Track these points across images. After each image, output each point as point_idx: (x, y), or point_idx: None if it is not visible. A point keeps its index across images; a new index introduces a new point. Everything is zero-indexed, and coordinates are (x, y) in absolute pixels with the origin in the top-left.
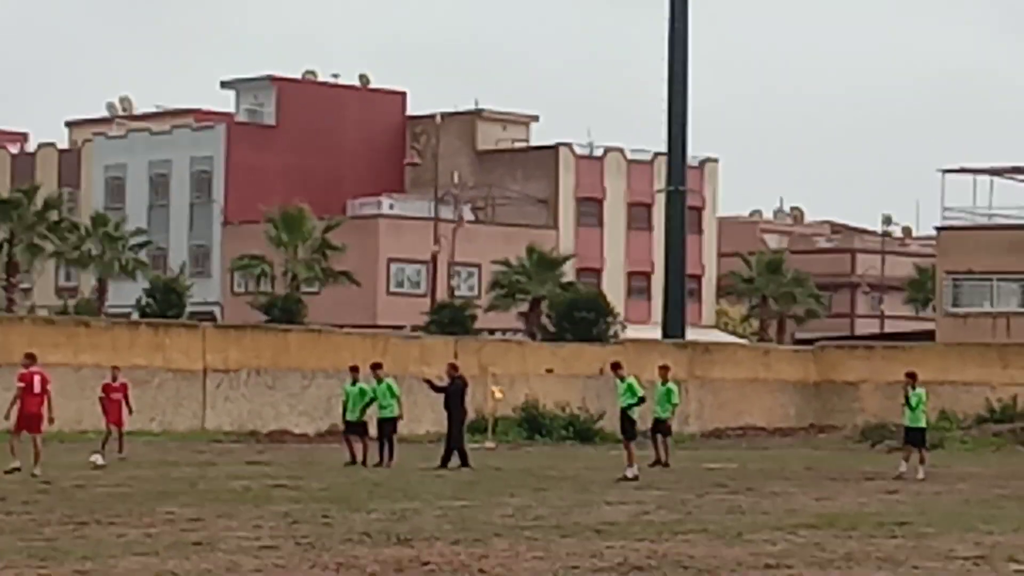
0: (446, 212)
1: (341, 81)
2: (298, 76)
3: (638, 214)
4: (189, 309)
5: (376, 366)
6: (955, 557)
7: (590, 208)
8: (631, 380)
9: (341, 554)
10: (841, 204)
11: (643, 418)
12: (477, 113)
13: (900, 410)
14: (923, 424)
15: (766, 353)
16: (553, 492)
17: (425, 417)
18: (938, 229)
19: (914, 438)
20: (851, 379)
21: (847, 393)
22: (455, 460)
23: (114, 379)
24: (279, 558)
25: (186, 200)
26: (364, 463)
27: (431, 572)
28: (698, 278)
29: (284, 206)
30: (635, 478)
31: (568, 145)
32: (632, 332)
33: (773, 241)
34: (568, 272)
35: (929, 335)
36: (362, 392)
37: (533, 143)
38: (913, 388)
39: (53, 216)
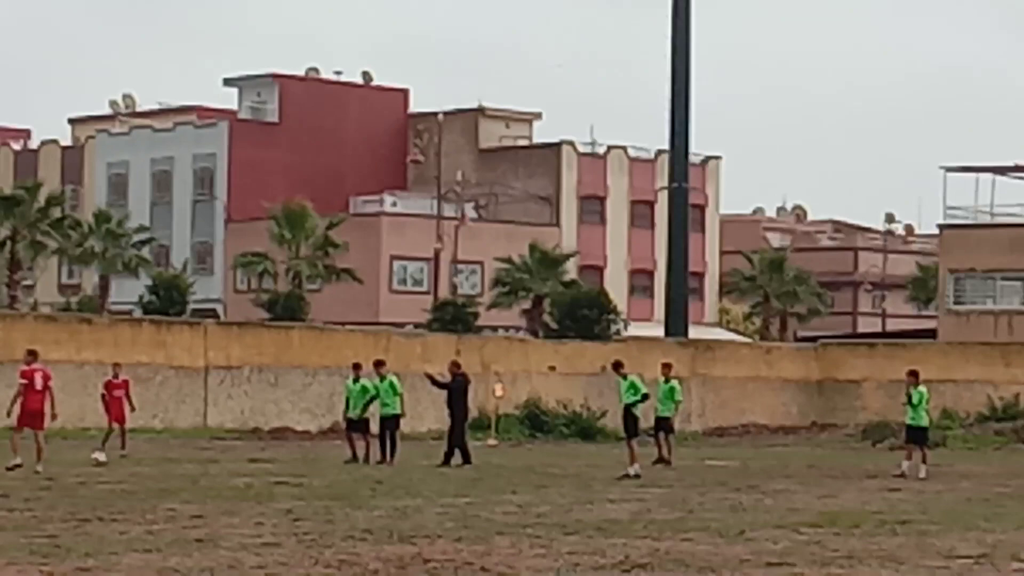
0: (448, 210)
1: (344, 78)
2: (301, 73)
3: (640, 212)
4: (191, 306)
5: (379, 363)
6: (957, 555)
7: (593, 206)
8: (633, 378)
9: (343, 551)
10: (843, 202)
11: (645, 416)
12: (480, 110)
13: (902, 408)
14: (925, 422)
15: (768, 351)
16: (555, 490)
17: (427, 415)
18: (940, 227)
19: (916, 436)
20: (853, 377)
21: (849, 391)
22: (457, 458)
23: (115, 376)
24: (281, 555)
25: (189, 197)
26: (367, 460)
27: (433, 570)
28: (700, 276)
29: (286, 203)
30: (637, 476)
31: (571, 143)
32: (634, 330)
33: (775, 239)
34: (570, 270)
35: (931, 333)
36: (364, 389)
37: (536, 141)
38: (915, 386)
39: (56, 213)
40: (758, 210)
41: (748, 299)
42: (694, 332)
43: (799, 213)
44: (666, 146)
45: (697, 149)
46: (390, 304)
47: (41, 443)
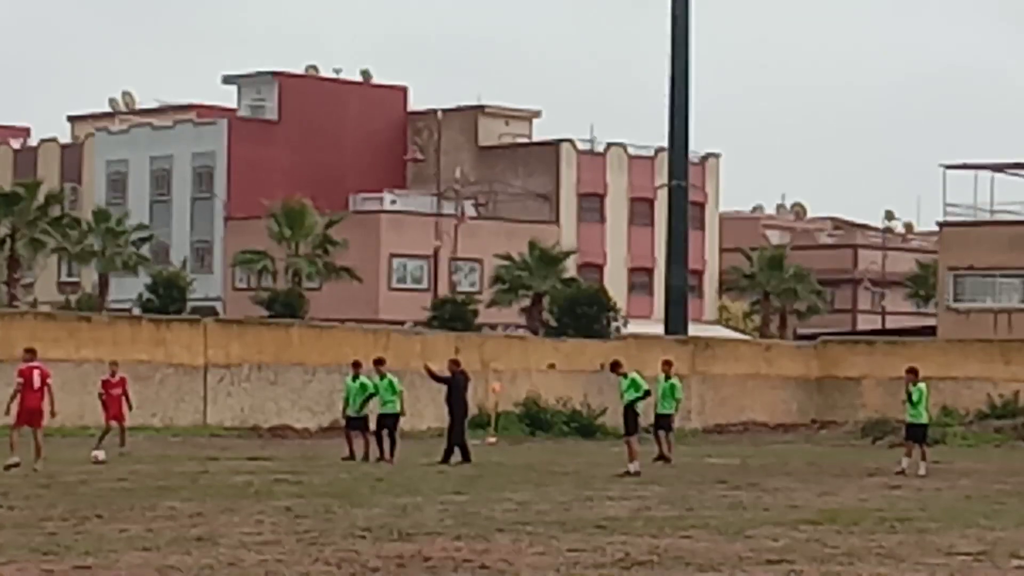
0: (448, 207)
1: (343, 76)
2: (300, 71)
3: (640, 210)
4: (191, 304)
5: (379, 361)
6: (957, 553)
7: (592, 203)
8: (633, 375)
9: (343, 549)
10: (843, 200)
11: (646, 413)
12: (479, 108)
13: (902, 406)
14: (924, 420)
15: (768, 349)
16: (555, 487)
17: (427, 412)
18: (940, 225)
19: (915, 434)
20: (853, 375)
21: (849, 389)
22: (457, 455)
23: (112, 374)
24: (281, 553)
25: (188, 195)
26: (366, 458)
27: (433, 567)
28: (700, 274)
29: (286, 201)
30: (637, 473)
31: (570, 140)
32: (634, 328)
33: (775, 237)
34: (570, 268)
35: (931, 331)
36: (363, 387)
37: (535, 138)
38: (915, 384)
39: (55, 211)
40: (757, 208)
41: (748, 297)
42: (694, 330)
43: (798, 211)
44: (665, 144)
45: (696, 147)
46: (389, 302)
47: (40, 441)
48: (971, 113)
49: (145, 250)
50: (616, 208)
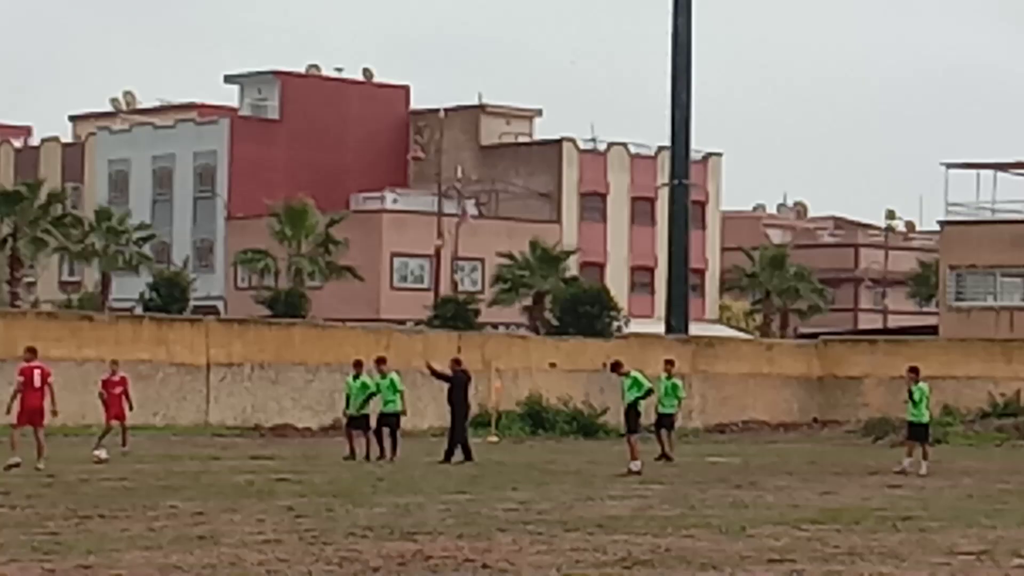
0: (449, 206)
1: (345, 75)
2: (302, 70)
3: (641, 208)
4: (192, 303)
5: (380, 360)
6: (958, 552)
7: (593, 203)
8: (635, 374)
9: (344, 548)
10: (844, 199)
11: (646, 412)
12: (481, 107)
13: (903, 405)
14: (926, 419)
15: (769, 348)
16: (556, 486)
17: (428, 411)
18: (941, 224)
19: (917, 433)
20: (854, 374)
21: (850, 388)
22: (458, 454)
23: (113, 374)
24: (282, 552)
25: (190, 194)
26: (367, 458)
27: (434, 566)
28: (701, 273)
29: (288, 200)
30: (638, 472)
31: (571, 139)
32: (635, 327)
33: (776, 236)
34: (571, 267)
35: (932, 330)
36: (364, 386)
37: (536, 137)
38: (916, 383)
39: (57, 210)
40: (759, 207)
41: (749, 296)
42: (695, 329)
43: (800, 209)
44: (667, 143)
45: (698, 146)
46: (391, 301)
47: (41, 440)
48: (972, 112)
49: (147, 249)
50: (617, 207)
